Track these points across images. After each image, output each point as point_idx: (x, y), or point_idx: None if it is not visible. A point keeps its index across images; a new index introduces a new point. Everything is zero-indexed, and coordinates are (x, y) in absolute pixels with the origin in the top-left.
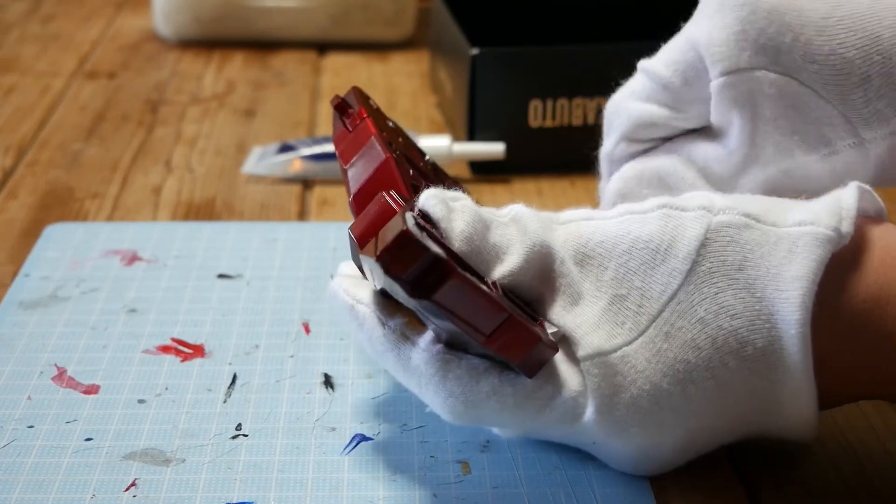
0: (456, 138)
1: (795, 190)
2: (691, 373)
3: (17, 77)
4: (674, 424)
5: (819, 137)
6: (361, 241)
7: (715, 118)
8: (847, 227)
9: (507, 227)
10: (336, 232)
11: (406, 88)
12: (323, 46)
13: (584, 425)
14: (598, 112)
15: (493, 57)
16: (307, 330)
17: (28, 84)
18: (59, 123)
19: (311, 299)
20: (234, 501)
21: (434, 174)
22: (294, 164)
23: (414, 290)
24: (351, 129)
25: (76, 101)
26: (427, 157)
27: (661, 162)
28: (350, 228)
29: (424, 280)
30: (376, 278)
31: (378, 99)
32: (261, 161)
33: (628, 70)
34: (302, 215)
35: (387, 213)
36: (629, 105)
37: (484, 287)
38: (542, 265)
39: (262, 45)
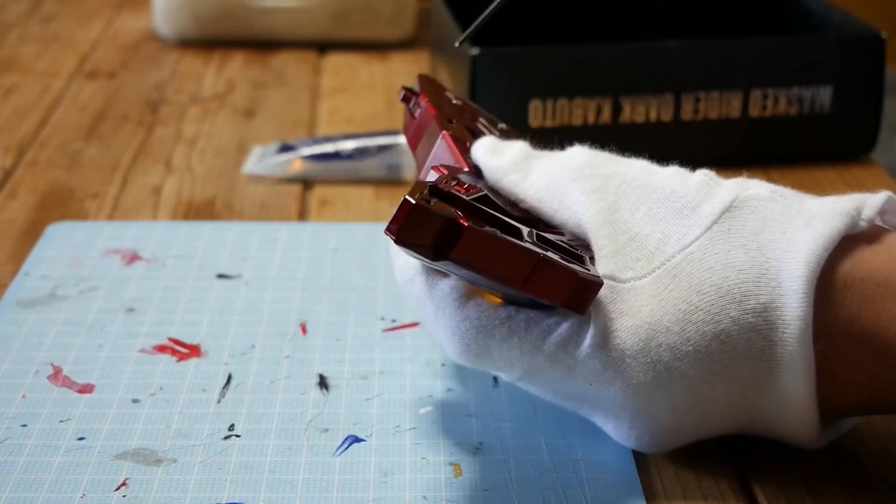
0: None
1: None
2: (693, 314)
3: (17, 77)
4: (671, 367)
5: None
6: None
7: None
8: (868, 213)
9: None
10: (336, 232)
11: None
12: (323, 46)
13: (582, 356)
14: (598, 112)
15: (493, 57)
16: (304, 330)
17: (28, 84)
18: (59, 123)
19: (309, 300)
20: (224, 502)
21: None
22: (294, 164)
23: (435, 253)
24: (415, 115)
25: (76, 101)
26: (501, 125)
27: None
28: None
29: (440, 243)
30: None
31: (378, 99)
32: (261, 161)
33: (628, 69)
34: (302, 215)
35: (405, 204)
36: None
37: (507, 236)
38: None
39: (262, 45)
